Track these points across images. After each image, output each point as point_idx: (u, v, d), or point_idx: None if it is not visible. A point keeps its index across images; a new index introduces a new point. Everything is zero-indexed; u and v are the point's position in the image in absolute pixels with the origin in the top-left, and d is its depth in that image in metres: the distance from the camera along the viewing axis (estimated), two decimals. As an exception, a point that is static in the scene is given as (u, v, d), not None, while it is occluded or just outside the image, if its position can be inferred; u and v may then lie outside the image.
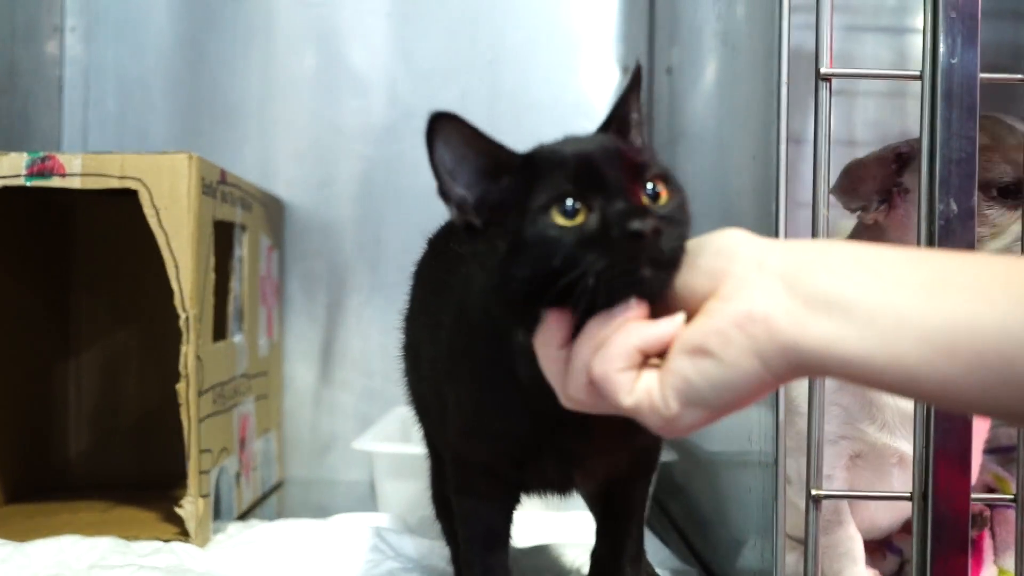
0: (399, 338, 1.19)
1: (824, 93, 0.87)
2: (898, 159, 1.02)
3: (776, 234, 0.90)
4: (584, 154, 0.67)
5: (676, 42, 1.56)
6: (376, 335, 1.72)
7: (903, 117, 1.51)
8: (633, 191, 0.65)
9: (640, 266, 0.62)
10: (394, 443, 1.45)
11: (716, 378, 0.57)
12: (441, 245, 1.02)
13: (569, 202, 0.64)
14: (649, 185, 0.66)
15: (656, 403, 0.59)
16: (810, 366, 0.56)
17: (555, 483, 0.88)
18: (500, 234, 0.66)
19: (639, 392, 0.60)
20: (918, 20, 0.96)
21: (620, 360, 0.60)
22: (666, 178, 0.67)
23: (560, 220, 0.64)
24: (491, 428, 0.82)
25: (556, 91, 1.75)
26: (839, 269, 0.56)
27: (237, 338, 1.44)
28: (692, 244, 0.64)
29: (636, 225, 0.61)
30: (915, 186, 0.89)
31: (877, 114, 1.51)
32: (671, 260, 0.63)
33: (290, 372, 1.74)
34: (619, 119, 0.73)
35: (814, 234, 0.88)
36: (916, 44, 1.48)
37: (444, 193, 0.70)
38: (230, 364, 1.38)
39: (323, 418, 1.75)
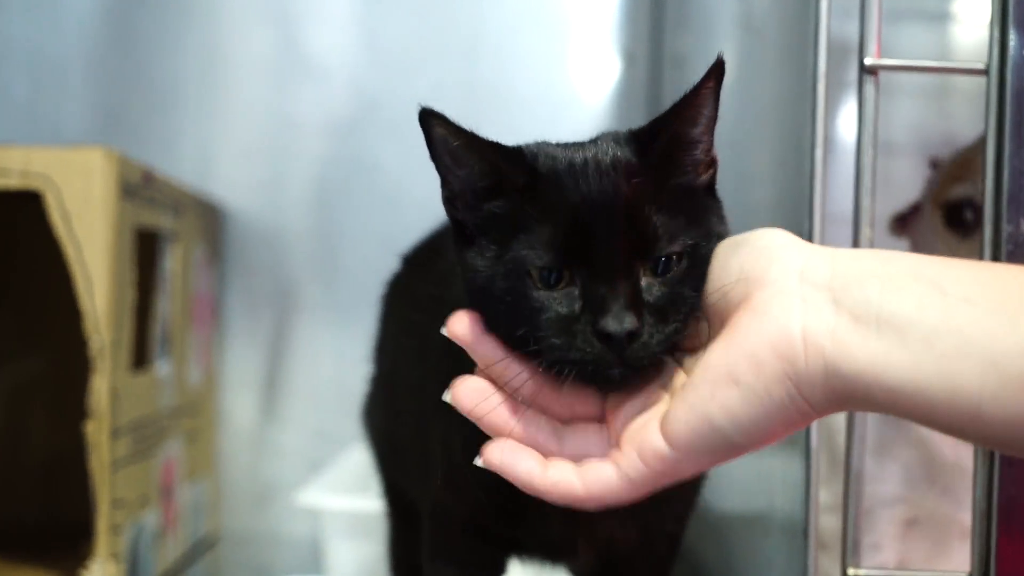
0: (366, 369, 1.16)
1: (869, 88, 0.84)
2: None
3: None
4: (584, 208, 0.64)
5: (686, 28, 1.53)
6: (329, 364, 1.68)
7: (946, 119, 1.49)
8: (627, 268, 0.63)
9: (603, 367, 0.62)
10: (347, 495, 1.40)
11: (743, 413, 0.55)
12: (423, 260, 1.02)
13: (550, 272, 0.64)
14: (660, 260, 0.64)
15: (656, 453, 0.58)
16: (853, 396, 0.54)
17: (552, 546, 0.83)
18: (481, 264, 0.67)
19: (627, 460, 0.59)
20: (959, 4, 0.93)
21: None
22: (688, 251, 0.64)
23: (538, 284, 0.64)
24: (487, 472, 0.78)
25: (543, 84, 1.72)
26: (895, 282, 0.55)
27: (162, 367, 1.40)
28: (729, 241, 0.63)
29: (610, 326, 0.61)
30: (929, 205, 0.87)
31: (916, 115, 1.48)
32: (649, 364, 0.63)
33: (226, 407, 1.70)
34: (666, 134, 0.67)
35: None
36: (960, 33, 1.46)
37: (442, 176, 0.70)
38: (153, 398, 1.34)
39: (265, 462, 1.70)
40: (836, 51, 0.87)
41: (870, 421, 0.87)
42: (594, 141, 0.70)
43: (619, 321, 0.61)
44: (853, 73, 0.87)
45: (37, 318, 1.53)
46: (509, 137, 0.70)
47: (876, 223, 0.85)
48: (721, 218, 0.69)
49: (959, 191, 1.07)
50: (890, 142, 1.50)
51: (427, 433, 0.84)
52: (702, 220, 0.66)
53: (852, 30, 0.87)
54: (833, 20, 0.86)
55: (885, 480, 0.97)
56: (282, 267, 1.72)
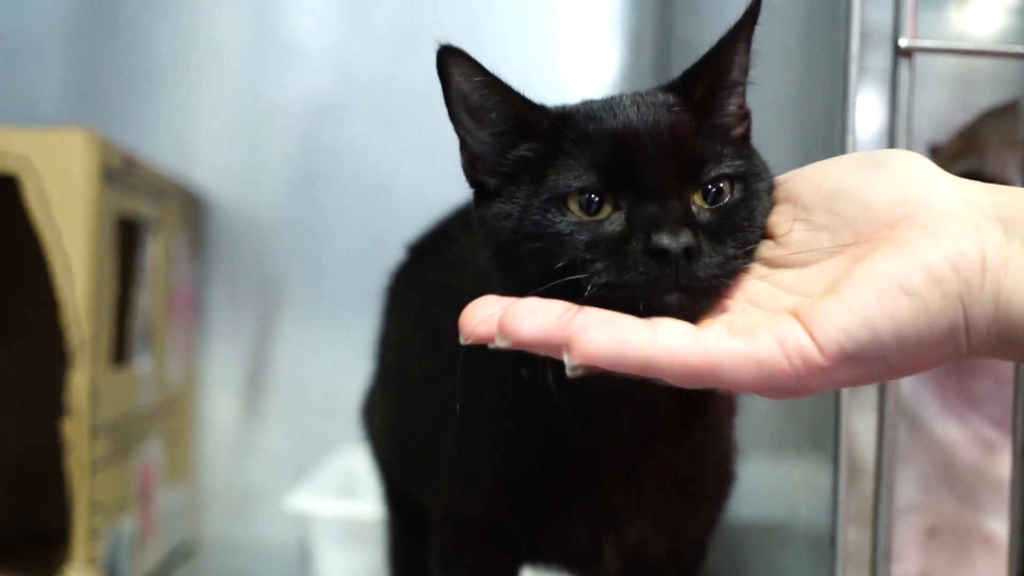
0: (355, 366, 1.15)
1: (904, 72, 0.83)
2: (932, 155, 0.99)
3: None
4: (625, 133, 0.64)
5: (697, 8, 1.53)
6: (316, 362, 1.67)
7: (966, 109, 1.48)
8: (676, 191, 0.63)
9: (659, 292, 0.60)
10: (336, 500, 1.39)
11: (910, 327, 0.54)
12: (433, 248, 1.02)
13: (591, 196, 0.63)
14: (709, 186, 0.64)
15: (801, 350, 0.54)
16: (1015, 336, 0.55)
17: (576, 553, 0.81)
18: (510, 208, 0.66)
19: (763, 342, 0.55)
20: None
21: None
22: (738, 178, 0.65)
23: (577, 212, 0.63)
24: (508, 466, 0.78)
25: (543, 68, 1.71)
26: None
27: (142, 363, 1.39)
28: (856, 157, 0.63)
29: (663, 241, 0.59)
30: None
31: (935, 104, 1.47)
32: (709, 288, 0.61)
33: (208, 407, 1.69)
34: (705, 77, 0.68)
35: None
36: (981, 16, 1.45)
37: (460, 139, 0.69)
38: (132, 396, 1.33)
39: (248, 466, 1.69)
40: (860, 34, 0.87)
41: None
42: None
43: (675, 236, 0.59)
44: (878, 59, 0.87)
45: (7, 310, 1.51)
46: None
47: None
48: (765, 166, 0.69)
49: (963, 167, 1.07)
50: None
51: (440, 431, 0.83)
52: (748, 159, 0.67)
53: (876, 14, 0.87)
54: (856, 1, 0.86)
55: (903, 486, 0.97)
56: (266, 259, 1.71)
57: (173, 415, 1.53)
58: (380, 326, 1.13)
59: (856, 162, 0.62)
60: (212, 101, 1.72)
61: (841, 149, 0.85)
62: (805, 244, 0.61)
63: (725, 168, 0.64)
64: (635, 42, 1.70)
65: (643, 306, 0.59)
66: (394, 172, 1.68)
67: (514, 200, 0.66)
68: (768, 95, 1.16)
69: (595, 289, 0.60)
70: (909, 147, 0.84)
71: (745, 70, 0.69)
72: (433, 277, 0.97)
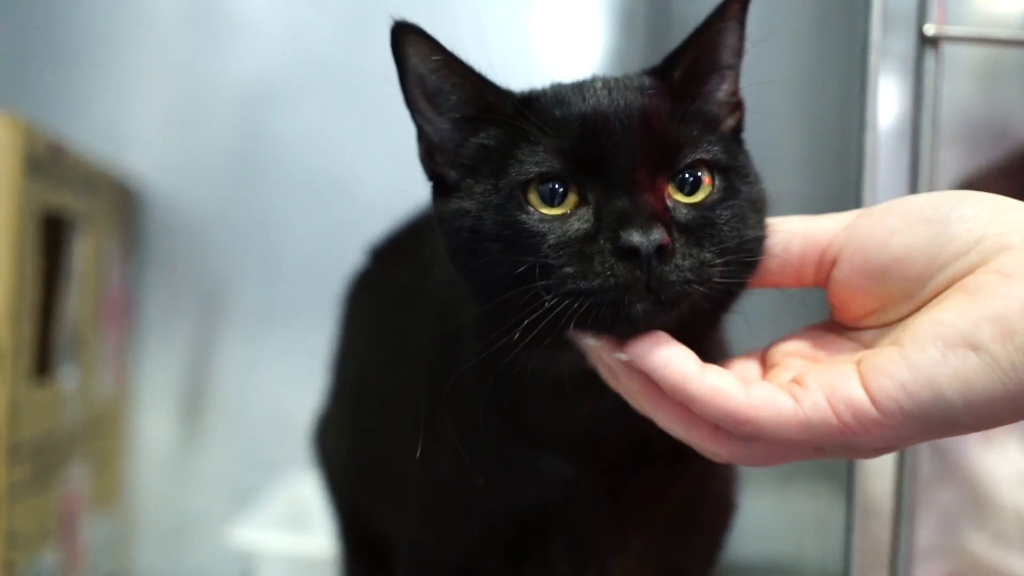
0: (306, 382, 1.15)
1: (930, 62, 0.83)
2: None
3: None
4: (594, 117, 0.65)
5: (695, -14, 1.53)
6: (264, 376, 1.67)
7: (993, 101, 1.49)
8: (649, 181, 0.63)
9: (628, 299, 0.60)
10: (284, 533, 1.38)
11: (979, 385, 0.54)
12: (398, 251, 1.02)
13: (554, 185, 0.64)
14: (685, 175, 0.64)
15: (852, 405, 0.56)
16: None
17: None
18: (468, 204, 0.67)
19: (810, 398, 0.57)
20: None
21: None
22: (717, 165, 0.65)
23: (539, 207, 0.64)
24: (483, 495, 0.77)
25: (523, 50, 1.72)
26: None
27: (68, 377, 1.37)
28: (927, 202, 0.62)
29: (633, 239, 0.59)
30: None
31: (961, 95, 1.48)
32: (680, 296, 0.61)
33: (141, 426, 1.68)
34: (686, 58, 0.69)
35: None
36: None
37: (418, 127, 0.70)
38: (56, 413, 1.31)
39: (185, 492, 1.68)
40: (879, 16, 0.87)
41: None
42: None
43: (646, 232, 0.59)
44: (900, 43, 0.87)
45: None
46: None
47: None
48: (754, 171, 0.70)
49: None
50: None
51: (406, 453, 0.83)
52: (732, 153, 0.68)
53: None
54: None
55: (924, 525, 0.97)
56: (208, 260, 1.70)
57: (102, 435, 1.52)
58: (337, 338, 1.12)
59: (926, 213, 0.61)
60: (148, 81, 1.71)
61: (859, 146, 0.85)
62: (883, 309, 0.63)
63: (703, 154, 0.65)
64: (626, 23, 1.70)
65: (610, 317, 0.60)
66: (353, 163, 1.68)
67: (473, 195, 0.67)
68: (776, 84, 1.17)
69: (557, 299, 0.61)
70: (935, 144, 0.84)
71: (737, 53, 0.70)
72: (399, 281, 0.97)
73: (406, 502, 0.84)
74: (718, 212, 0.64)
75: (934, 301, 0.58)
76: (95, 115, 1.68)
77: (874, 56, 0.84)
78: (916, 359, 0.55)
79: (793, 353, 0.65)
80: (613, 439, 0.72)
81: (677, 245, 0.61)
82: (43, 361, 1.32)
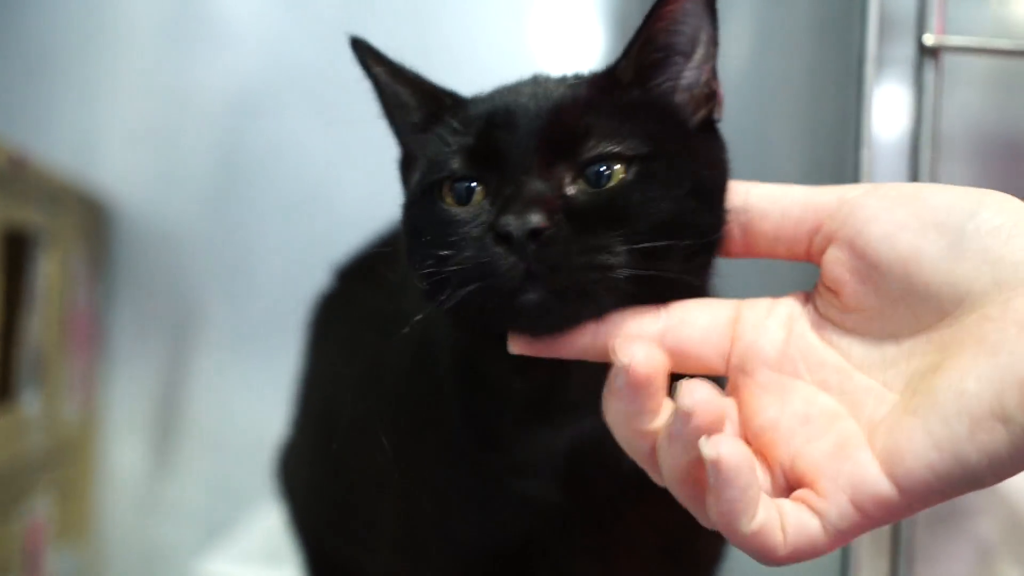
0: (284, 408, 1.15)
1: (929, 73, 0.84)
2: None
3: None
4: (498, 111, 0.68)
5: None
6: (238, 401, 1.67)
7: (996, 113, 1.49)
8: (545, 171, 0.64)
9: (511, 287, 0.61)
10: (259, 567, 1.38)
11: (1007, 455, 0.53)
12: (366, 272, 1.03)
13: (462, 183, 0.66)
14: (594, 167, 0.64)
15: (876, 499, 0.55)
16: None
17: None
18: (407, 202, 0.73)
19: (835, 508, 0.56)
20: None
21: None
22: (636, 159, 0.65)
23: (451, 203, 0.67)
24: (463, 530, 0.77)
25: (510, 54, 1.72)
26: None
27: (30, 402, 1.38)
28: (945, 199, 0.59)
29: (509, 224, 0.60)
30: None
31: (963, 107, 1.48)
32: (580, 287, 0.61)
33: (109, 454, 1.68)
34: (633, 48, 0.70)
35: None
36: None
37: (396, 139, 0.77)
38: (17, 441, 1.32)
39: (155, 523, 1.68)
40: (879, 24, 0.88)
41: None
42: None
43: (520, 216, 0.60)
44: (900, 51, 0.88)
45: None
46: None
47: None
48: (719, 158, 0.71)
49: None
50: (936, 135, 1.50)
51: (379, 486, 0.83)
52: (677, 142, 0.68)
53: (898, 0, 0.88)
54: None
55: (951, 560, 0.97)
56: (181, 279, 1.70)
57: (67, 463, 1.52)
58: (302, 364, 1.13)
59: (940, 216, 0.58)
60: (119, 91, 1.71)
61: (855, 160, 0.85)
62: (879, 313, 0.60)
63: (613, 146, 0.65)
64: (621, 27, 1.70)
65: (501, 308, 0.61)
66: (332, 178, 1.68)
67: (410, 186, 0.72)
68: (772, 94, 1.17)
69: (452, 292, 0.62)
70: (935, 158, 0.85)
71: (706, 44, 0.71)
72: (369, 302, 0.97)
73: (378, 535, 0.84)
74: (623, 198, 0.64)
75: (949, 355, 0.56)
76: (62, 126, 1.68)
77: (870, 67, 0.84)
78: (942, 437, 0.54)
79: (770, 362, 0.63)
80: (601, 464, 0.72)
81: (567, 231, 0.61)
82: (4, 385, 1.32)
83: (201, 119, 1.71)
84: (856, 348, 0.61)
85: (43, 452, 1.41)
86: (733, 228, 0.67)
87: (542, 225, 0.60)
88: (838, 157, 0.90)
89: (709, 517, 0.57)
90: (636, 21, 0.64)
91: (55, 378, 1.45)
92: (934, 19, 0.84)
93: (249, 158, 1.71)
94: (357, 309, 1.01)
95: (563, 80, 0.71)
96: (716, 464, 0.54)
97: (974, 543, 0.99)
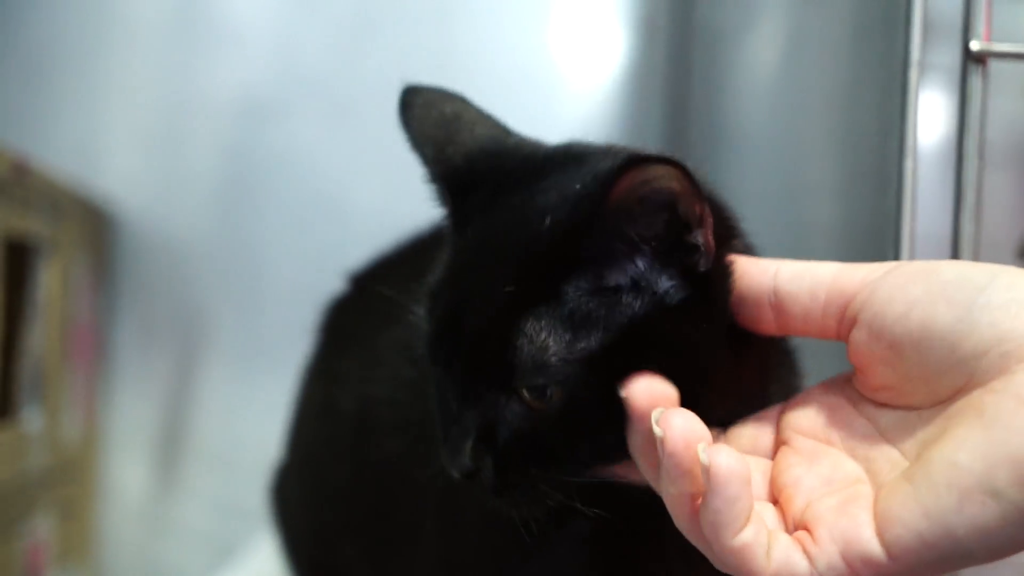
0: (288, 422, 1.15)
1: (975, 81, 0.83)
2: None
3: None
4: (436, 322, 0.69)
5: (721, -7, 1.53)
6: (247, 417, 1.67)
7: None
8: (473, 396, 0.66)
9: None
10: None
11: (1000, 532, 0.54)
12: (389, 276, 1.03)
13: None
14: (525, 391, 0.65)
15: (864, 558, 0.57)
16: None
17: None
18: None
19: (825, 557, 0.58)
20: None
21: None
22: (571, 388, 0.64)
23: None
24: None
25: (532, 59, 1.72)
26: None
27: (31, 418, 1.38)
28: (956, 272, 0.60)
29: (445, 464, 0.66)
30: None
31: (1010, 117, 1.48)
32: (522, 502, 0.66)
33: (112, 472, 1.68)
34: (596, 232, 0.65)
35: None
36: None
37: None
38: (18, 458, 1.31)
39: (161, 541, 1.68)
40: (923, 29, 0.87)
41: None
42: (551, 167, 0.71)
43: (451, 461, 0.65)
44: (943, 57, 0.87)
45: None
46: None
47: (991, 248, 0.85)
48: (713, 352, 0.68)
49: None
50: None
51: (406, 504, 0.83)
52: (635, 348, 0.65)
53: (942, 3, 0.87)
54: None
55: None
56: (186, 291, 1.70)
57: (69, 482, 1.52)
58: (308, 372, 1.13)
59: (950, 291, 0.59)
60: (123, 94, 1.71)
61: (899, 171, 0.85)
62: (902, 389, 0.62)
63: (542, 378, 0.64)
64: (647, 29, 1.70)
65: None
66: (345, 185, 1.68)
67: None
68: (807, 100, 1.17)
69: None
70: (981, 169, 0.84)
71: (686, 227, 0.65)
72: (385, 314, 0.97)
73: (411, 567, 0.84)
74: (549, 430, 0.64)
75: (950, 425, 0.57)
76: (64, 131, 1.69)
77: (914, 74, 0.84)
78: (931, 507, 0.55)
79: (806, 430, 0.66)
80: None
81: (489, 472, 0.64)
82: (4, 401, 1.32)
83: (209, 124, 1.71)
84: (884, 418, 0.63)
85: (43, 471, 1.41)
86: (765, 309, 0.67)
87: (466, 470, 0.64)
88: (881, 168, 0.90)
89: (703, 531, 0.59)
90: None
91: (56, 393, 1.45)
92: (981, 24, 0.83)
93: (258, 165, 1.71)
94: (374, 319, 1.01)
95: (526, 207, 0.67)
96: (707, 470, 0.56)
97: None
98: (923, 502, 0.56)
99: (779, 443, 0.67)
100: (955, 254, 0.85)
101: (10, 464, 1.29)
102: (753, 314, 0.67)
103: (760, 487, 0.64)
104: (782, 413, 0.68)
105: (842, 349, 0.66)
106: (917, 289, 0.60)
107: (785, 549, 0.59)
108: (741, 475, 0.57)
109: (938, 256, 0.86)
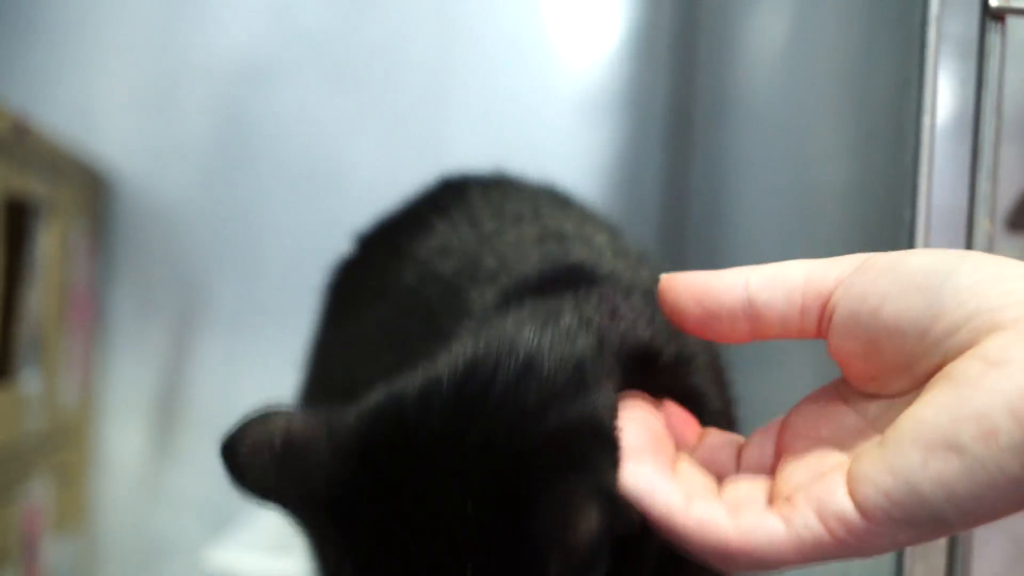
0: (295, 387, 1.15)
1: (994, 39, 0.84)
2: None
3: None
4: None
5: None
6: (245, 384, 1.67)
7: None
8: None
9: None
10: (272, 557, 1.38)
11: (963, 488, 0.54)
12: (394, 239, 1.01)
13: None
14: None
15: (841, 517, 0.57)
16: None
17: None
18: None
19: (800, 516, 0.59)
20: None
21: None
22: None
23: None
24: None
25: (526, 30, 1.71)
26: None
27: (29, 381, 1.38)
28: (924, 261, 0.61)
29: None
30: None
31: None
32: None
33: (108, 438, 1.68)
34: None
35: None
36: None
37: None
38: (16, 420, 1.32)
39: (156, 513, 1.69)
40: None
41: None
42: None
43: None
44: (960, 19, 0.87)
45: None
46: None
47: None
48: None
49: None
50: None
51: None
52: None
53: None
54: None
55: (980, 560, 0.96)
56: (184, 254, 1.70)
57: (65, 447, 1.52)
58: (318, 332, 1.13)
59: (919, 279, 0.61)
60: (119, 55, 1.71)
61: (916, 133, 0.85)
62: (884, 379, 0.63)
63: None
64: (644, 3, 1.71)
65: None
66: (345, 149, 1.69)
67: None
68: (822, 64, 1.17)
69: None
70: (998, 135, 0.85)
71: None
72: (398, 275, 0.97)
73: None
74: None
75: (923, 391, 0.58)
76: (61, 93, 1.68)
77: (932, 31, 0.84)
78: (897, 464, 0.56)
79: (801, 434, 0.66)
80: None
81: None
82: (3, 363, 1.32)
83: (206, 86, 1.71)
84: (872, 408, 0.64)
85: (41, 434, 1.41)
86: (740, 321, 0.67)
87: None
88: (896, 127, 0.90)
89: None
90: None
91: (53, 357, 1.45)
92: (1001, -22, 0.84)
93: (257, 128, 1.71)
94: (385, 277, 0.99)
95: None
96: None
97: (1011, 543, 0.99)
98: (889, 460, 0.56)
99: (779, 453, 0.67)
100: (971, 217, 0.85)
101: (9, 426, 1.29)
102: (725, 329, 0.67)
103: (762, 503, 0.63)
104: (782, 424, 0.69)
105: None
106: (887, 282, 0.61)
107: (756, 514, 0.60)
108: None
109: (952, 220, 0.86)
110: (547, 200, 1.05)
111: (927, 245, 0.86)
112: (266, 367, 1.65)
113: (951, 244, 0.86)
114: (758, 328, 0.67)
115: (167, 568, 1.67)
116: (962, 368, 0.56)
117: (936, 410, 0.56)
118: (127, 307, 1.69)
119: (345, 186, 1.67)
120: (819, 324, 0.65)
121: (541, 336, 0.66)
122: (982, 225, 0.84)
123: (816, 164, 1.15)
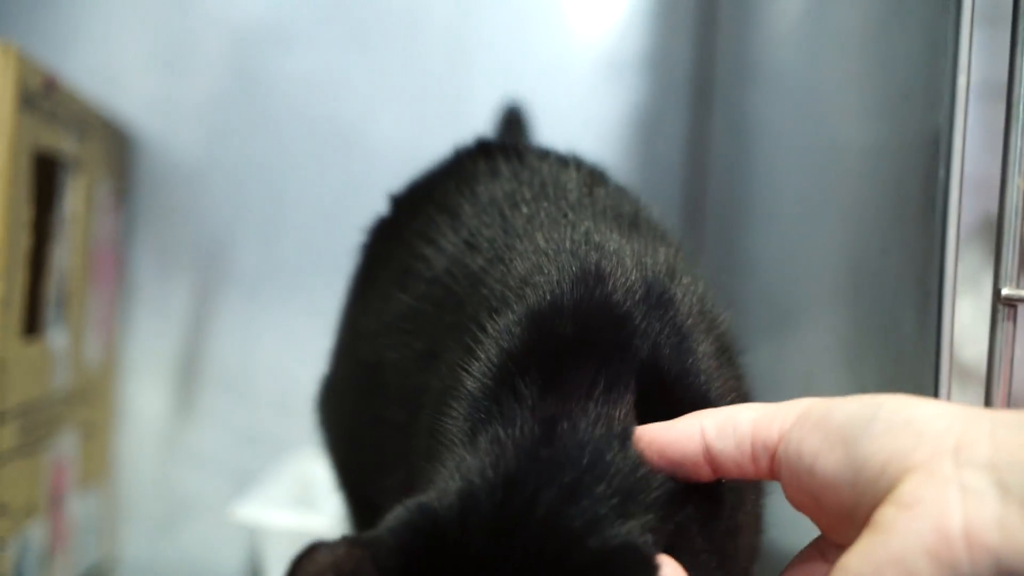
0: (315, 351, 1.15)
1: (1030, 1, 0.84)
2: None
3: (943, 247, 0.87)
4: None
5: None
6: (267, 343, 1.69)
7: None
8: None
9: None
10: (296, 512, 1.40)
11: None
12: (432, 196, 1.00)
13: None
14: None
15: None
16: None
17: None
18: None
19: None
20: None
21: None
22: None
23: None
24: None
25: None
26: None
27: (57, 337, 1.39)
28: (850, 412, 0.63)
29: None
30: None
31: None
32: None
33: (131, 396, 1.70)
34: None
35: (1000, 235, 0.85)
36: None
37: None
38: (45, 375, 1.33)
39: (179, 467, 1.70)
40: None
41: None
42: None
43: None
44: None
45: None
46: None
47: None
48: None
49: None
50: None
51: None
52: None
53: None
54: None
55: None
56: (207, 214, 1.71)
57: (90, 404, 1.53)
58: (351, 292, 1.13)
59: (843, 433, 0.63)
60: (142, 14, 1.72)
61: (951, 93, 0.86)
62: (841, 532, 0.64)
63: None
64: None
65: None
66: (367, 108, 1.70)
67: None
68: (844, 27, 1.18)
69: None
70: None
71: None
72: (433, 266, 0.96)
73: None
74: None
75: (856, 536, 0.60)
76: (86, 51, 1.69)
77: (970, -7, 0.85)
78: None
79: None
80: None
81: None
82: (31, 318, 1.32)
83: (228, 45, 1.72)
84: (841, 558, 0.63)
85: (67, 390, 1.42)
86: (702, 466, 0.69)
87: None
88: (928, 89, 0.91)
89: None
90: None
91: (79, 313, 1.46)
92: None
93: (278, 87, 1.72)
94: (419, 242, 0.98)
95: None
96: None
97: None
98: None
99: None
100: (1004, 175, 0.85)
101: (40, 381, 1.30)
102: (691, 473, 0.69)
103: None
104: None
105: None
106: (817, 439, 0.63)
107: None
108: None
109: (985, 179, 0.87)
110: (573, 182, 1.01)
111: (960, 205, 0.87)
112: (287, 325, 1.67)
113: (985, 204, 0.87)
114: (720, 471, 0.70)
115: (188, 523, 1.69)
116: (880, 514, 0.58)
117: (860, 559, 0.58)
118: (149, 266, 1.71)
119: (365, 146, 1.68)
120: (771, 471, 0.68)
121: (580, 457, 0.66)
122: (1015, 183, 0.85)
123: (839, 125, 1.15)
